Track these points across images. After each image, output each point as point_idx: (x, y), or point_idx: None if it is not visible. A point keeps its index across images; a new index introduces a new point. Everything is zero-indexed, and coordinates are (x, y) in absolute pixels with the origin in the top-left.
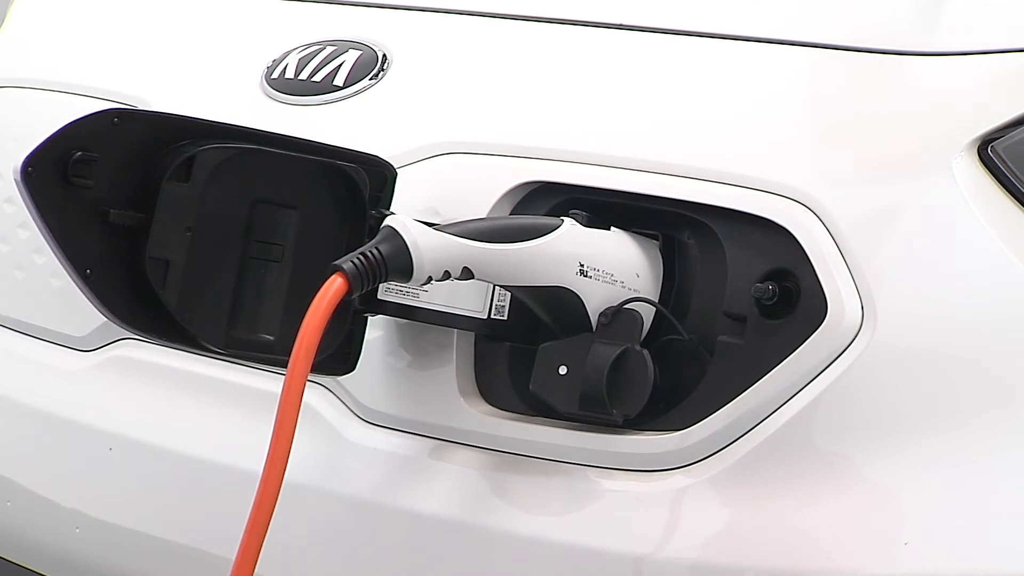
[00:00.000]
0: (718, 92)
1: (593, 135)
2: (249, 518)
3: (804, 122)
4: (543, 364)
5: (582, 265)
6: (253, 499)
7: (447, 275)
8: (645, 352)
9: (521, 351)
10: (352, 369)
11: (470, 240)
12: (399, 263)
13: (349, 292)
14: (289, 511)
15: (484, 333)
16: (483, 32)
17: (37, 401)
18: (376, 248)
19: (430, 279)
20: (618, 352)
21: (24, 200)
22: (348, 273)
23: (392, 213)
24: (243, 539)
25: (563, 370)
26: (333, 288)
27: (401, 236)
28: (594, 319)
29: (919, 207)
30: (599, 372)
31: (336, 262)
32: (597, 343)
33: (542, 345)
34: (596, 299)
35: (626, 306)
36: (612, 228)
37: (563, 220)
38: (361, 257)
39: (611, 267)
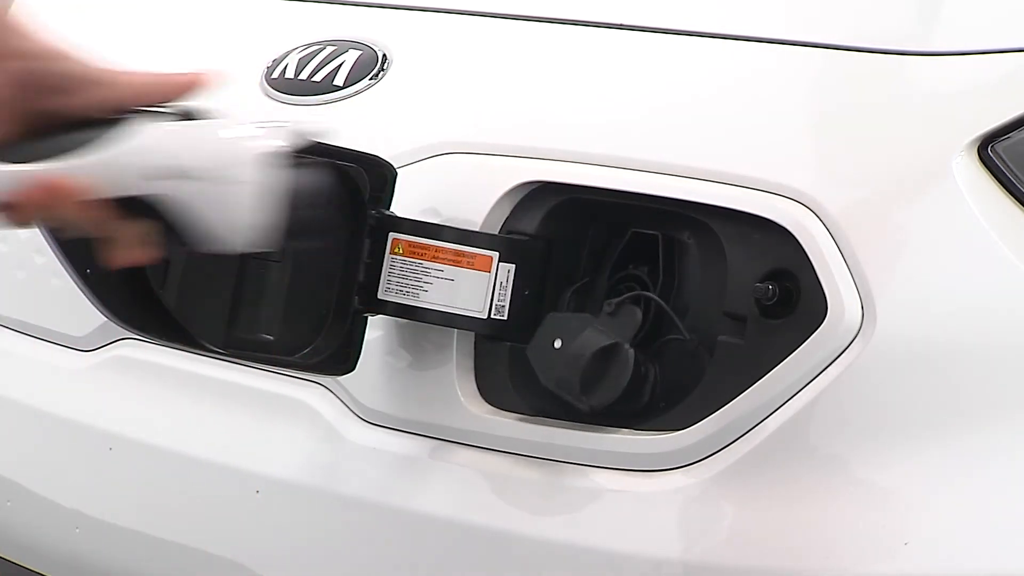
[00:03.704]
0: (718, 92)
1: (593, 135)
2: None
3: (804, 122)
4: (545, 332)
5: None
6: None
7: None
8: (631, 351)
9: (521, 351)
10: (352, 369)
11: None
12: None
13: None
14: (289, 511)
15: (484, 333)
16: (483, 32)
17: (37, 401)
18: None
19: None
20: (605, 344)
21: None
22: None
23: (392, 213)
24: None
25: (558, 344)
26: None
27: None
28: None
29: (919, 207)
30: (580, 358)
31: None
32: (591, 329)
33: (551, 313)
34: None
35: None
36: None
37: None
38: None
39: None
